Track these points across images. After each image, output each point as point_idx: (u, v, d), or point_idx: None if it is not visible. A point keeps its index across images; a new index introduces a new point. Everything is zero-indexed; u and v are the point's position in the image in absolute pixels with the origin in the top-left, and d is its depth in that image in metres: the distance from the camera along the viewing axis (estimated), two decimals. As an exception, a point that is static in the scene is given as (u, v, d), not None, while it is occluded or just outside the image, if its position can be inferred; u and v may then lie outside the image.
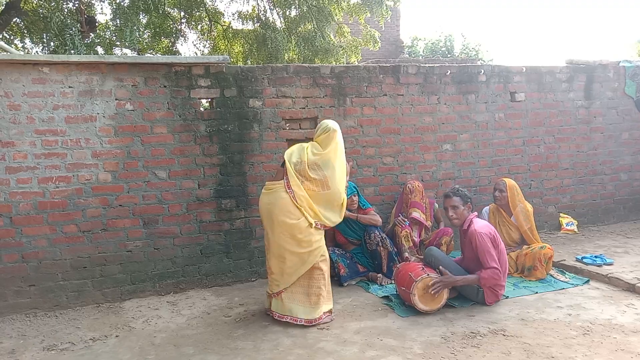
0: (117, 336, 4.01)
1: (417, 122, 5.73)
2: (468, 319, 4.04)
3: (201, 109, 5.01)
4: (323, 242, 4.14)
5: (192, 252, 5.04)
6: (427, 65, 5.80)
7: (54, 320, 4.41)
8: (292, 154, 4.14)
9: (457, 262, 4.46)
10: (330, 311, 4.15)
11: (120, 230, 4.80)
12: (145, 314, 4.44)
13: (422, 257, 5.17)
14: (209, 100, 5.03)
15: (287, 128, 5.27)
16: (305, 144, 4.21)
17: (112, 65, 4.66)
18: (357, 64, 9.59)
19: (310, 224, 4.00)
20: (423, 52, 20.95)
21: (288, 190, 3.99)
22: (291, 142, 5.25)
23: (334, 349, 3.60)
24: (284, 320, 4.06)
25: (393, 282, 4.69)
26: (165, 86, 4.83)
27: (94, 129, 4.64)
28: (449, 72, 5.80)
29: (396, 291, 4.56)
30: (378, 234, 5.02)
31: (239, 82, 5.06)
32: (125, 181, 4.78)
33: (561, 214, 6.51)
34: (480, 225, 4.29)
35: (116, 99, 4.69)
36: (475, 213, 4.48)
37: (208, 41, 11.88)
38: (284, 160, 4.14)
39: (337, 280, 4.96)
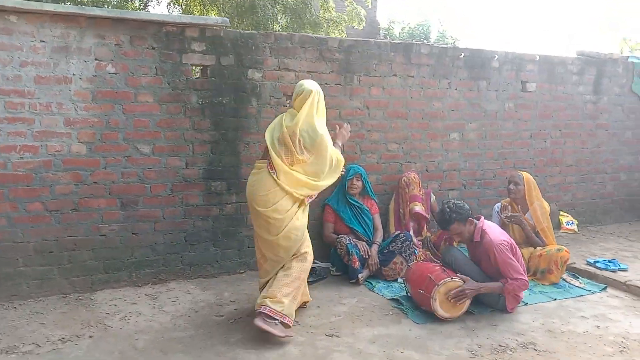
0: (91, 336, 3.42)
1: (426, 107, 5.28)
2: (491, 329, 3.65)
3: (193, 77, 4.39)
4: (305, 234, 3.63)
5: (175, 238, 4.45)
6: (439, 46, 5.34)
7: (12, 313, 3.77)
8: (273, 129, 3.61)
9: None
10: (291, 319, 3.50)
11: (94, 211, 4.16)
12: (122, 309, 3.86)
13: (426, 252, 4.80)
14: (203, 67, 4.42)
15: (288, 105, 4.71)
16: (281, 116, 3.66)
17: (93, 19, 3.98)
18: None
19: (298, 199, 3.53)
20: (399, 35, 20.50)
21: (271, 171, 3.49)
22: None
23: (351, 362, 3.15)
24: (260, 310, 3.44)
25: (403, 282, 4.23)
26: (153, 48, 4.19)
27: (69, 93, 3.97)
28: (462, 54, 5.36)
29: (407, 293, 4.13)
30: (411, 245, 4.58)
31: (237, 49, 4.46)
32: (102, 155, 4.14)
33: (561, 212, 6.24)
34: (495, 235, 3.87)
35: (96, 59, 4.02)
36: (482, 219, 4.03)
37: (183, 6, 11.01)
38: None
39: (341, 275, 4.62)
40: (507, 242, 3.85)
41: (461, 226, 3.90)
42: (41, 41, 3.86)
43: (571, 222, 6.19)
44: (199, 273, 4.55)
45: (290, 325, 3.47)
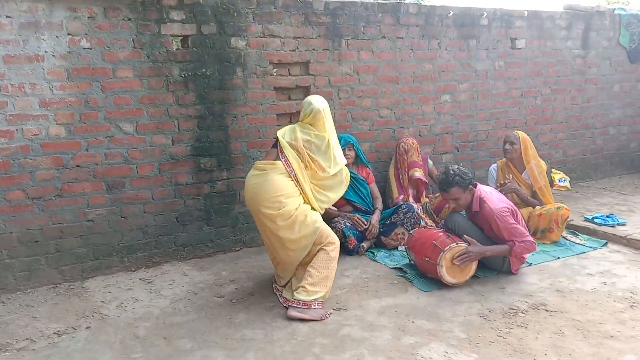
0: (88, 327, 3.25)
1: (417, 69, 5.12)
2: (500, 292, 3.59)
3: (174, 48, 4.14)
4: (321, 223, 3.48)
5: (166, 219, 4.27)
6: (428, 5, 5.15)
7: (0, 308, 3.58)
8: (284, 133, 3.55)
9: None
10: (321, 301, 3.37)
11: (79, 195, 3.95)
12: (118, 296, 3.70)
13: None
14: (183, 37, 4.16)
15: (275, 74, 4.51)
16: (293, 125, 3.61)
17: (62, -11, 3.70)
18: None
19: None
20: None
21: (288, 170, 3.39)
22: (279, 90, 4.53)
23: (362, 335, 3.05)
24: (287, 304, 3.40)
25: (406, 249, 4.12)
26: (129, 19, 3.92)
27: (42, 72, 3.70)
28: (451, 13, 5.18)
29: (410, 261, 4.04)
30: (413, 216, 4.42)
31: (218, 17, 4.22)
32: (82, 136, 3.90)
33: (553, 170, 6.20)
34: (494, 202, 3.75)
35: (69, 34, 3.75)
36: (478, 186, 3.86)
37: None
38: (276, 141, 3.54)
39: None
40: (507, 208, 3.75)
41: (460, 192, 3.77)
42: (7, 17, 3.56)
43: (563, 179, 6.14)
44: (193, 253, 4.40)
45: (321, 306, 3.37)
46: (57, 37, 3.71)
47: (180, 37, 4.17)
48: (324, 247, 3.40)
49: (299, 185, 3.40)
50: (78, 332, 3.21)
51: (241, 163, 4.46)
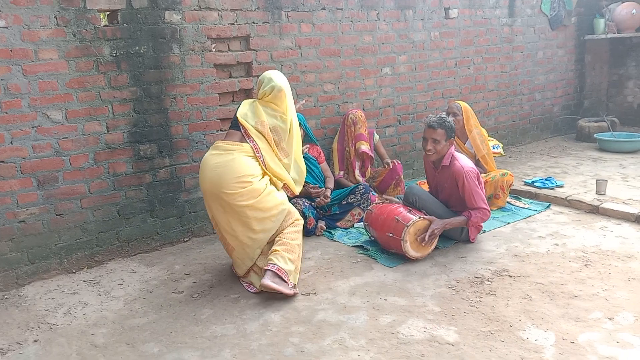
0: (35, 341, 2.92)
1: (358, 42, 5.02)
2: (462, 262, 3.63)
3: (102, 24, 3.75)
4: (288, 203, 3.44)
5: (106, 214, 3.93)
6: (365, -26, 5.03)
7: None
8: (246, 113, 3.37)
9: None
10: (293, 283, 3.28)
11: (6, 195, 3.53)
12: (63, 302, 3.36)
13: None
14: (111, 12, 3.78)
15: (214, 50, 4.23)
16: (253, 102, 3.46)
17: (-34, -40, 3.21)
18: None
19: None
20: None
21: (257, 155, 3.27)
22: (220, 67, 4.26)
23: (339, 319, 2.96)
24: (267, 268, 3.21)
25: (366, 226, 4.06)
26: (49, -7, 3.50)
27: (-51, 56, 3.23)
28: (388, -18, 5.11)
29: (370, 237, 4.00)
30: (367, 196, 4.38)
31: (150, -10, 3.87)
32: (5, 128, 3.46)
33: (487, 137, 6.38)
34: (464, 162, 3.79)
35: (-22, 11, 3.29)
36: (453, 147, 3.94)
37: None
38: (235, 121, 3.39)
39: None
40: (474, 170, 3.80)
41: (444, 137, 3.72)
42: None
43: (497, 145, 6.28)
44: (139, 248, 4.10)
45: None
46: (-36, 15, 3.24)
47: (108, 12, 3.79)
48: (291, 224, 3.38)
49: (269, 169, 3.29)
50: (25, 347, 2.87)
51: (184, 148, 4.19)
